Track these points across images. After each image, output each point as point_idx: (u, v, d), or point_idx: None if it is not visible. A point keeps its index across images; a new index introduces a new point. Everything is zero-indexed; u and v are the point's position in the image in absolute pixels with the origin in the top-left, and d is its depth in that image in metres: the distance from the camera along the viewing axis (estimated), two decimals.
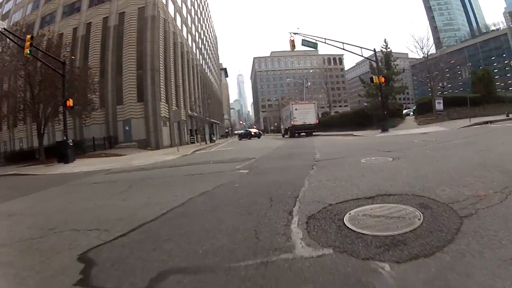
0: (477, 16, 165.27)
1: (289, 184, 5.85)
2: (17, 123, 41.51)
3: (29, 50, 20.87)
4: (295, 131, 36.66)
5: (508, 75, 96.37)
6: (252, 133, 54.02)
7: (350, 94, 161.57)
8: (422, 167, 6.45)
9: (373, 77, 25.85)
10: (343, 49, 26.53)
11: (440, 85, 32.30)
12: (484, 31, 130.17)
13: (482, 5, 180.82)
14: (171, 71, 45.27)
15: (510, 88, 74.29)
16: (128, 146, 36.80)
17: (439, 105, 29.10)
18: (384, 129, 24.30)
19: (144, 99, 38.39)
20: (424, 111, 31.18)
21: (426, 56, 31.31)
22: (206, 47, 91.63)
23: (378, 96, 31.16)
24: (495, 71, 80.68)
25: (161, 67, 40.91)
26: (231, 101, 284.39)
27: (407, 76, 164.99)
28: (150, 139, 37.54)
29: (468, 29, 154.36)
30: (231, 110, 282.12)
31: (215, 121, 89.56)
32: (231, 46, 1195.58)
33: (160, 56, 41.18)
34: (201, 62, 76.62)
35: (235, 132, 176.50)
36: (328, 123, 41.19)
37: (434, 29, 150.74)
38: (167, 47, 44.40)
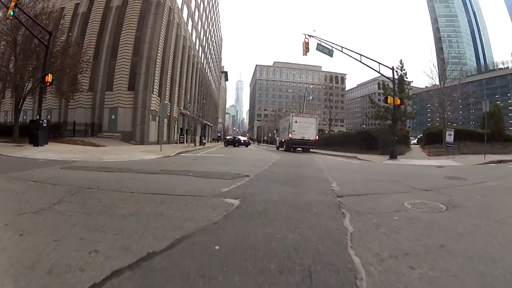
0: (485, 52, 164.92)
1: (320, 261, 2.90)
2: (4, 94, 38.25)
3: (12, 11, 18.85)
4: (292, 145, 33.79)
5: (510, 114, 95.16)
6: (241, 141, 51.60)
7: (348, 115, 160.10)
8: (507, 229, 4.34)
9: (388, 97, 23.10)
10: (360, 61, 23.85)
11: (448, 115, 29.91)
12: (491, 68, 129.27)
13: (492, 43, 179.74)
14: (169, 63, 42.41)
15: None
16: (111, 137, 33.83)
17: (449, 137, 26.90)
18: (393, 156, 21.63)
19: (135, 88, 35.40)
20: (432, 142, 28.76)
21: (443, 83, 28.99)
22: (210, 46, 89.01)
23: (387, 118, 28.64)
24: None
25: (158, 57, 38.02)
26: (227, 106, 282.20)
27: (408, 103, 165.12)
28: (136, 132, 34.53)
29: (475, 65, 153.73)
30: (226, 115, 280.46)
31: (208, 123, 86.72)
32: (234, 50, 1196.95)
33: (159, 46, 38.35)
34: (202, 61, 73.89)
35: (227, 137, 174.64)
36: (326, 142, 38.29)
37: (441, 60, 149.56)
38: (168, 37, 41.54)
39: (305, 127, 33.38)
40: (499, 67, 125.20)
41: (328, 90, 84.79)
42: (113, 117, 36.52)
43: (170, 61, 42.61)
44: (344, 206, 5.34)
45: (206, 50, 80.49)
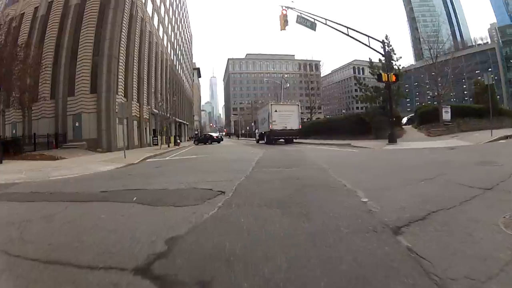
0: (462, 29, 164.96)
1: None
2: None
3: None
4: (274, 137, 31.15)
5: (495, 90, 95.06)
6: (214, 137, 49.04)
7: (324, 101, 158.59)
8: None
9: (383, 74, 20.53)
10: (347, 34, 21.08)
11: (436, 93, 27.85)
12: (470, 45, 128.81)
13: (468, 19, 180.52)
14: (134, 61, 38.83)
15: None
16: (76, 146, 30.42)
17: (446, 115, 25.04)
18: (392, 140, 19.26)
19: (97, 90, 31.86)
20: (427, 121, 26.61)
21: (435, 57, 26.91)
22: (180, 42, 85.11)
23: (377, 100, 26.22)
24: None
25: (121, 54, 34.53)
26: (202, 103, 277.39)
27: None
28: (102, 139, 31.05)
29: (452, 42, 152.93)
30: (202, 112, 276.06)
31: (184, 122, 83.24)
32: (205, 47, 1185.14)
33: (122, 42, 34.84)
34: (172, 57, 70.04)
35: (195, 133, 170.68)
36: (309, 130, 35.74)
37: (417, 40, 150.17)
38: (131, 33, 37.94)
39: (286, 116, 30.67)
40: (478, 44, 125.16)
41: (308, 78, 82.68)
42: (77, 124, 32.97)
43: (135, 58, 39.06)
44: (432, 266, 2.65)
45: (175, 47, 76.60)
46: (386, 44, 23.11)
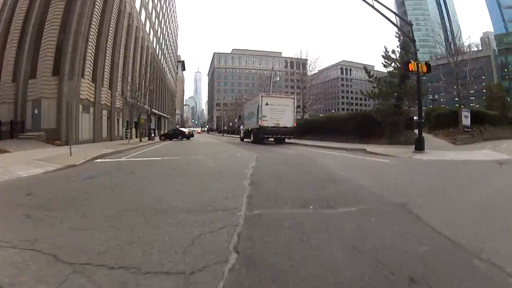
0: (455, 35, 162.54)
1: None
2: None
3: None
4: (263, 135, 26.37)
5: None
6: (185, 133, 44.03)
7: (311, 101, 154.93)
8: None
9: (411, 62, 16.15)
10: (372, 6, 16.70)
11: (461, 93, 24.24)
12: (466, 51, 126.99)
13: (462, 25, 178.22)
14: (108, 42, 33.65)
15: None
16: (32, 137, 25.57)
17: (466, 120, 21.71)
18: (420, 148, 15.07)
19: (60, 72, 26.95)
20: (444, 125, 22.81)
21: (455, 55, 23.20)
22: (164, 32, 79.64)
23: (391, 96, 21.97)
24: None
25: (92, 33, 29.45)
26: (186, 97, 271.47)
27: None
28: (61, 130, 26.08)
29: (444, 47, 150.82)
30: (185, 107, 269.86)
31: (164, 115, 78.07)
32: (192, 41, 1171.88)
33: (94, 19, 29.80)
34: (154, 46, 64.71)
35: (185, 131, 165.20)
36: (303, 129, 30.99)
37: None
38: (107, 11, 32.90)
39: (279, 111, 26.02)
40: (473, 50, 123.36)
41: (299, 76, 78.88)
42: (36, 111, 27.91)
43: (109, 39, 33.90)
44: None
45: (159, 35, 71.16)
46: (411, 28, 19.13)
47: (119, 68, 37.34)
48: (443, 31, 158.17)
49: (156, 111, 61.87)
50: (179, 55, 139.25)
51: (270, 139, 27.83)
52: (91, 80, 29.26)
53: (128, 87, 37.47)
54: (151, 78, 47.22)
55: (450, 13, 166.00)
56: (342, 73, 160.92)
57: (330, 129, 26.77)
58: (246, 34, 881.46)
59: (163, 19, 76.58)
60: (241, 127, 37.86)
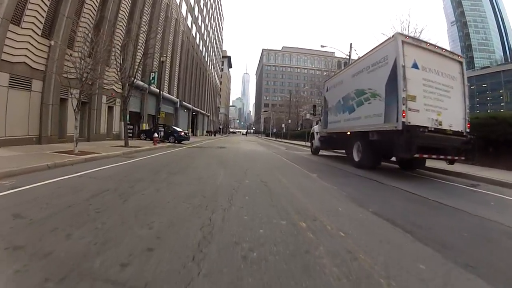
0: (510, 41, 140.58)
1: None
2: None
3: None
4: (416, 151, 9.15)
5: None
6: (182, 134, 26.96)
7: None
8: None
9: None
10: None
11: None
12: None
13: None
14: None
15: None
16: None
17: None
18: None
19: None
20: None
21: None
22: (205, 16, 67.44)
23: None
24: None
25: None
26: (233, 98, 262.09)
27: None
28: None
29: (502, 53, 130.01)
30: (232, 108, 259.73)
31: (202, 111, 65.56)
32: (241, 43, 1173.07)
33: None
34: (190, 27, 52.39)
35: (231, 130, 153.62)
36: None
37: (468, 47, 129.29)
38: None
39: (440, 92, 10.00)
40: None
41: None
42: None
43: None
44: None
45: (197, 17, 59.24)
46: None
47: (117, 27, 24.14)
48: (499, 35, 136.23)
49: (188, 105, 49.31)
50: (225, 50, 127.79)
51: (391, 160, 14.15)
52: (42, 32, 16.49)
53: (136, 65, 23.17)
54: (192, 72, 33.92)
55: (504, 16, 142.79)
56: None
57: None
58: (296, 34, 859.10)
59: (205, 8, 64.72)
60: (315, 128, 20.76)
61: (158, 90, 30.15)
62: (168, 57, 37.26)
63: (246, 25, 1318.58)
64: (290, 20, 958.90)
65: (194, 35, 54.13)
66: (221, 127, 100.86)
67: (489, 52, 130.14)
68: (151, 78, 29.33)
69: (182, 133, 26.78)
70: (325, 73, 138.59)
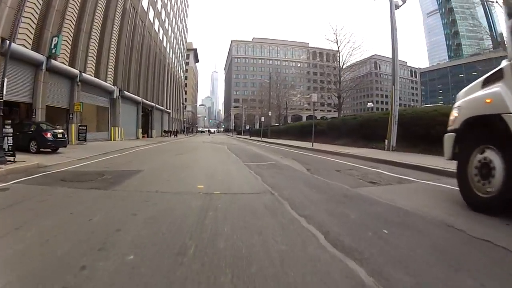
0: (497, 29, 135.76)
1: None
2: None
3: None
4: None
5: None
6: (48, 135, 13.83)
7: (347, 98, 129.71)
8: None
9: None
10: None
11: None
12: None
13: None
14: None
15: None
16: None
17: None
18: None
19: None
20: None
21: None
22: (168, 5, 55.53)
23: None
24: None
25: None
26: (202, 97, 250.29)
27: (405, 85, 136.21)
28: None
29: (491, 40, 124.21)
30: (201, 107, 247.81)
31: (159, 107, 53.05)
32: (208, 39, 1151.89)
33: None
34: (145, 10, 40.71)
35: (199, 129, 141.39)
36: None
37: (455, 34, 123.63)
38: None
39: None
40: None
41: (325, 69, 55.44)
42: None
43: None
44: None
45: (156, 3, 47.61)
46: None
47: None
48: (486, 20, 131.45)
49: (134, 96, 37.18)
50: (191, 43, 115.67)
51: None
52: None
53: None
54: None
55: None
56: (375, 68, 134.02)
57: None
58: (267, 25, 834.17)
59: None
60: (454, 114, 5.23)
61: (72, 69, 18.84)
62: (98, 28, 25.81)
63: (214, 21, 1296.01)
64: (259, 12, 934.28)
65: (145, 9, 42.22)
66: (186, 126, 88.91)
67: (478, 39, 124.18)
68: (52, 46, 17.87)
69: (49, 135, 14.00)
70: (299, 65, 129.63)
